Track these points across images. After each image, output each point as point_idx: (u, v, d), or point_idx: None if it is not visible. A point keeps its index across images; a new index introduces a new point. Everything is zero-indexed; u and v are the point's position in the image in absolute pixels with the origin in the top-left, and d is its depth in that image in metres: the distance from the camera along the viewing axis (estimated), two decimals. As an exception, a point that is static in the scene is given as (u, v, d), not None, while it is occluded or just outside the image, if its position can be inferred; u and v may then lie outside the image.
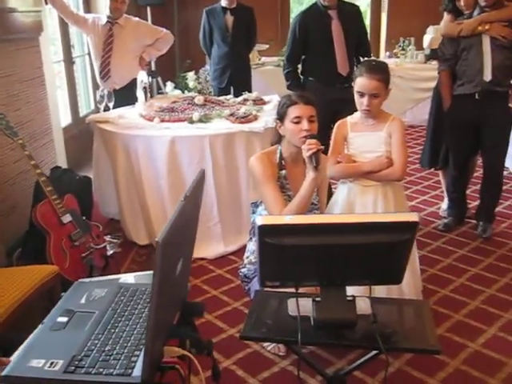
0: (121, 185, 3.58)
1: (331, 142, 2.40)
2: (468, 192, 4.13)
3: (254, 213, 2.59)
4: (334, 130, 2.41)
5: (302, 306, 1.74)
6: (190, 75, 5.60)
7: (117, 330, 1.09)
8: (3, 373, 1.02)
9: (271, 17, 6.76)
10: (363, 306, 1.73)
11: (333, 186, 3.36)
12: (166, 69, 6.62)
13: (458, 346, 2.57)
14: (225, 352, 2.53)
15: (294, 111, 2.33)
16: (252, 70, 6.35)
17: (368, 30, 7.57)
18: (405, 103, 6.77)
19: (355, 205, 2.33)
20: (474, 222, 3.85)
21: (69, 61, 5.23)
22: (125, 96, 4.20)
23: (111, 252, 3.47)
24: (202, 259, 3.48)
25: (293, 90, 3.81)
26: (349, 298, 1.72)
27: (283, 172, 2.45)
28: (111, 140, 3.58)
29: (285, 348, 2.47)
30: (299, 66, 3.88)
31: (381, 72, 2.27)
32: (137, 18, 4.48)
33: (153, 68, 6.18)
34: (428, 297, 2.96)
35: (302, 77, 3.87)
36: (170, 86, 5.00)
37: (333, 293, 1.70)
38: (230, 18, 4.80)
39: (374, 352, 1.73)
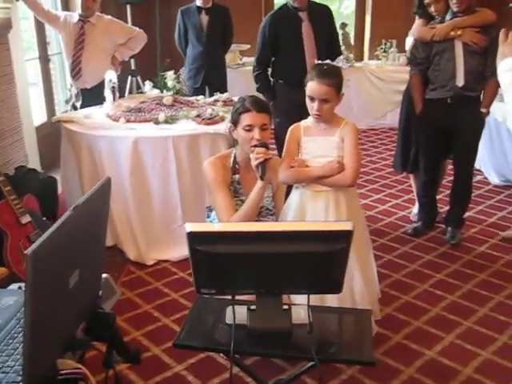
0: (85, 185, 3.53)
1: (284, 146, 2.38)
2: (440, 196, 4.12)
3: (208, 217, 2.56)
4: (288, 134, 2.39)
5: (240, 313, 1.71)
6: (169, 74, 5.55)
7: (14, 341, 1.06)
8: None
9: (254, 17, 6.72)
10: (301, 315, 1.71)
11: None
12: (147, 68, 6.57)
13: (415, 354, 2.55)
14: (178, 357, 2.50)
15: (246, 119, 2.31)
16: (232, 70, 6.36)
17: (352, 33, 7.60)
18: (385, 105, 6.76)
19: (307, 210, 2.30)
20: (444, 226, 3.84)
21: (44, 58, 5.17)
22: (96, 95, 4.15)
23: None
24: (166, 261, 3.45)
25: (262, 92, 3.79)
26: (285, 307, 1.69)
27: (237, 176, 2.43)
28: (76, 140, 3.54)
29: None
30: (269, 68, 3.85)
31: (332, 77, 2.24)
32: (109, 17, 4.43)
33: (132, 67, 6.13)
34: (389, 303, 2.94)
35: (272, 79, 3.84)
36: (148, 85, 4.95)
37: (268, 301, 1.68)
38: (204, 18, 4.76)
39: (310, 363, 1.70)
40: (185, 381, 2.38)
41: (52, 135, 5.18)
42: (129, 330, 2.72)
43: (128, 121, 3.57)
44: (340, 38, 5.11)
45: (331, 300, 2.14)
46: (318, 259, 1.60)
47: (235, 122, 2.36)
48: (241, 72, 6.51)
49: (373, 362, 1.61)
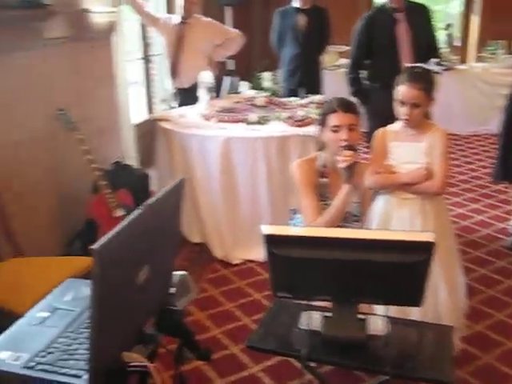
0: (178, 182, 3.65)
1: (371, 151, 2.31)
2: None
3: (292, 219, 2.54)
4: (375, 139, 2.32)
5: (315, 319, 1.69)
6: (266, 75, 5.59)
7: (88, 331, 1.10)
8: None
9: (353, 18, 6.61)
10: (378, 326, 1.65)
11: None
12: (244, 68, 6.66)
13: (505, 377, 2.39)
14: (255, 358, 2.50)
15: (333, 119, 2.27)
16: (329, 72, 6.29)
17: (457, 34, 7.28)
18: (490, 110, 6.39)
19: (392, 218, 2.22)
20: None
21: (146, 59, 5.39)
22: (192, 95, 4.26)
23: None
24: (252, 261, 3.47)
25: (355, 95, 3.72)
26: (360, 317, 1.64)
27: (324, 180, 2.39)
28: (170, 138, 3.66)
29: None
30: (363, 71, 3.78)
31: (423, 81, 2.15)
32: (208, 19, 4.54)
33: (230, 67, 6.23)
34: (480, 320, 2.78)
35: (366, 82, 3.76)
36: (245, 85, 5.03)
37: (344, 309, 1.64)
38: (302, 19, 4.73)
39: (384, 378, 1.64)
40: (260, 382, 2.38)
41: (151, 133, 5.39)
42: (210, 327, 2.77)
43: (220, 121, 3.63)
44: (444, 39, 4.92)
45: (414, 313, 2.05)
46: (397, 270, 1.54)
47: (322, 124, 2.33)
48: (338, 74, 6.42)
49: (451, 382, 1.52)
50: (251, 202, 3.47)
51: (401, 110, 2.19)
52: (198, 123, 3.66)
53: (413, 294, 1.59)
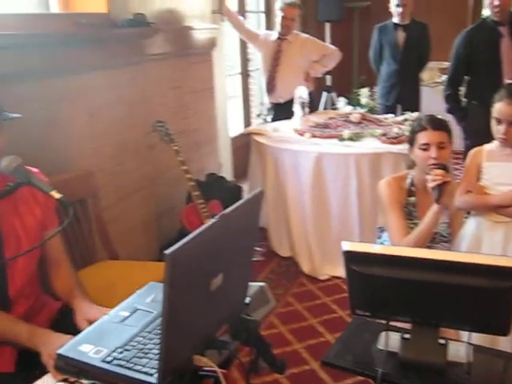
0: (268, 196, 3.70)
1: (464, 170, 2.22)
2: None
3: (379, 238, 2.50)
4: (469, 158, 2.23)
5: (394, 340, 1.65)
6: (364, 91, 5.53)
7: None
8: (58, 351, 1.15)
9: (456, 33, 6.41)
10: (460, 353, 1.58)
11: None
12: (343, 84, 6.65)
13: None
14: (335, 375, 2.48)
15: (422, 137, 2.21)
16: (430, 89, 6.13)
17: None
18: None
19: (483, 241, 2.12)
20: None
21: (245, 74, 5.54)
22: (287, 110, 4.32)
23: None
24: (339, 278, 3.43)
25: (452, 113, 3.60)
26: (441, 341, 1.58)
27: (412, 199, 2.33)
28: (263, 152, 3.73)
29: None
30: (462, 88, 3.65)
31: (524, 98, 2.05)
32: (306, 35, 4.59)
33: (328, 83, 6.24)
34: None
35: (464, 100, 3.63)
36: (342, 101, 5.02)
37: (424, 332, 1.58)
38: (401, 35, 4.66)
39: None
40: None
41: (246, 147, 5.52)
42: (291, 341, 2.78)
43: (313, 136, 3.65)
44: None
45: (502, 343, 1.94)
46: (484, 296, 1.47)
47: (411, 142, 2.28)
48: (438, 91, 6.22)
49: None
50: (341, 218, 3.45)
51: (497, 129, 2.10)
52: (291, 138, 3.70)
53: (500, 322, 1.51)
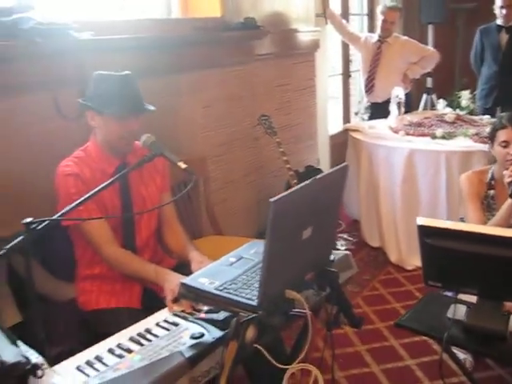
0: (361, 189, 3.95)
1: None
2: None
3: (461, 228, 2.67)
4: None
5: (461, 311, 1.87)
6: (464, 94, 5.59)
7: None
8: (183, 281, 1.49)
9: None
10: (521, 325, 1.77)
11: None
12: (444, 86, 6.67)
13: None
14: (412, 352, 2.70)
15: (502, 135, 2.38)
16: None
17: None
18: None
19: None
20: None
21: (346, 74, 5.77)
22: (384, 109, 4.51)
23: (342, 248, 3.88)
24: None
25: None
26: (504, 313, 1.78)
27: (491, 192, 2.49)
28: (359, 147, 3.97)
29: (472, 364, 2.51)
30: None
31: None
32: (405, 37, 4.76)
33: (429, 85, 6.31)
34: None
35: None
36: (441, 103, 5.12)
37: (488, 304, 1.79)
38: (504, 37, 4.68)
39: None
40: (413, 375, 2.56)
41: (344, 144, 5.75)
42: (374, 321, 3.01)
43: (407, 134, 3.84)
44: None
45: None
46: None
47: (492, 139, 2.45)
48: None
49: None
50: (430, 212, 3.60)
51: None
52: (385, 135, 3.91)
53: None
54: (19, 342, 1.33)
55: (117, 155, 2.03)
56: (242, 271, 1.52)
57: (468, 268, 1.78)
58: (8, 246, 1.34)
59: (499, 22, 4.72)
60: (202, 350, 1.38)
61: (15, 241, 1.35)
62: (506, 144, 2.37)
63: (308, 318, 1.43)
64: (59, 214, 1.55)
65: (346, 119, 6.00)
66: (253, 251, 1.65)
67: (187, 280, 1.49)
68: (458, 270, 1.81)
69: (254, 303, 1.33)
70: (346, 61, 5.72)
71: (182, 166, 1.78)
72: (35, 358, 1.27)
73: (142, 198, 2.09)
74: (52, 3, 2.67)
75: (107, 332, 1.58)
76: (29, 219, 1.38)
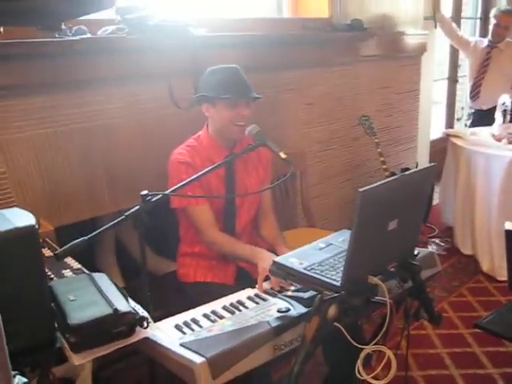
0: (458, 196, 3.91)
1: None
2: None
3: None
4: None
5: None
6: None
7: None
8: (275, 259, 1.64)
9: None
10: None
11: None
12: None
13: None
14: (495, 361, 2.69)
15: None
16: None
17: None
18: None
19: None
20: None
21: (453, 79, 5.68)
22: (489, 117, 4.43)
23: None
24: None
25: None
26: None
27: None
28: (457, 153, 3.93)
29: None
30: None
31: None
32: (519, 43, 4.63)
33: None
34: None
35: None
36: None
37: None
38: None
39: None
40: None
41: (444, 149, 5.67)
42: (458, 326, 3.01)
43: (510, 142, 3.75)
44: None
45: None
46: None
47: None
48: None
49: None
50: (527, 224, 3.52)
51: None
52: (487, 142, 3.85)
53: None
54: (129, 299, 1.54)
55: (227, 145, 2.21)
56: (330, 256, 1.64)
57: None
58: (127, 213, 1.55)
59: None
60: (287, 322, 1.52)
61: (133, 209, 1.56)
62: None
63: (388, 305, 1.53)
64: (169, 190, 1.75)
65: (449, 125, 5.90)
66: (341, 239, 1.77)
67: (279, 259, 1.63)
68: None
69: (338, 284, 1.45)
70: (454, 65, 5.64)
71: (283, 155, 1.92)
72: (141, 312, 1.47)
73: (244, 187, 2.26)
74: (171, 1, 2.91)
75: (202, 302, 1.76)
76: (145, 191, 1.58)
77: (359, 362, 1.47)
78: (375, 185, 1.36)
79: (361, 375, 1.47)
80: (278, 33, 3.27)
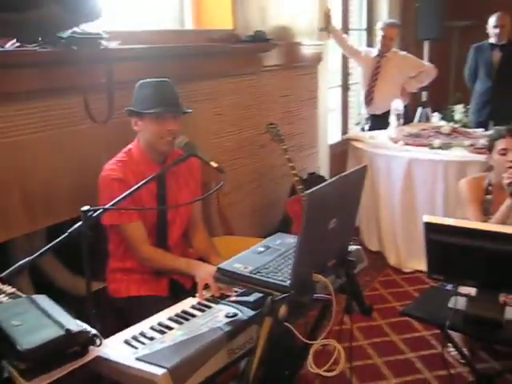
0: (362, 196, 4.13)
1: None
2: None
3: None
4: None
5: (461, 302, 2.05)
6: (458, 108, 5.85)
7: (289, 261, 1.65)
8: (219, 265, 1.66)
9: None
10: (515, 314, 1.97)
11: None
12: (438, 100, 6.91)
13: None
14: (412, 346, 2.88)
15: (500, 144, 2.59)
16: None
17: None
18: None
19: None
20: None
21: (345, 87, 5.98)
22: (383, 121, 4.73)
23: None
24: (421, 272, 3.80)
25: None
26: (501, 303, 1.97)
27: (489, 197, 2.70)
28: (360, 156, 4.17)
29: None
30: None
31: None
32: (404, 53, 4.99)
33: (424, 98, 6.55)
34: None
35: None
36: (436, 116, 5.36)
37: (486, 295, 1.99)
38: (497, 55, 4.93)
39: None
40: (413, 367, 2.74)
41: (343, 153, 5.96)
42: (376, 318, 3.19)
43: (406, 144, 4.04)
44: None
45: None
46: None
47: (490, 148, 2.66)
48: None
49: None
50: (427, 219, 3.80)
51: None
52: (385, 144, 4.12)
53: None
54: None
55: (158, 159, 2.20)
56: (271, 258, 1.69)
57: (469, 262, 1.98)
58: (69, 230, 1.51)
59: (492, 40, 4.97)
60: (238, 326, 1.56)
61: (75, 226, 1.52)
62: (504, 152, 2.58)
63: (333, 297, 1.62)
64: (109, 205, 1.72)
65: (344, 130, 6.21)
66: (278, 242, 1.83)
67: (223, 265, 1.66)
68: (460, 264, 2.00)
69: (287, 284, 1.50)
70: (345, 74, 5.94)
71: (214, 164, 1.96)
72: (92, 330, 1.44)
73: (176, 202, 2.26)
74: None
75: (138, 316, 1.74)
76: (86, 207, 1.54)
77: (310, 357, 1.54)
78: (319, 186, 1.44)
79: (313, 369, 1.53)
80: (186, 44, 3.29)
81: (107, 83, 2.53)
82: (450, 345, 2.66)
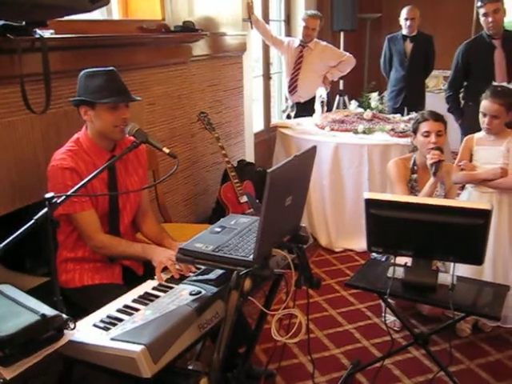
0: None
1: (458, 153, 2.83)
2: None
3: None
4: (463, 143, 2.83)
5: (399, 271, 2.24)
6: (373, 96, 6.12)
7: (247, 239, 1.74)
8: (180, 245, 1.72)
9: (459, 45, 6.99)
10: (447, 279, 2.17)
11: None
12: (354, 88, 7.22)
13: None
14: (349, 319, 3.07)
15: (424, 126, 2.81)
16: (434, 95, 6.72)
17: None
18: None
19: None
20: None
21: (267, 76, 6.13)
22: (307, 108, 4.92)
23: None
24: (351, 250, 4.03)
25: (452, 112, 4.20)
26: (433, 269, 2.18)
27: (414, 176, 2.92)
28: (288, 142, 4.32)
29: (400, 324, 2.91)
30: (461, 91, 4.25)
31: (504, 97, 2.65)
32: (324, 43, 5.19)
33: (341, 87, 6.82)
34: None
35: (462, 101, 4.23)
36: (354, 104, 5.60)
37: (421, 262, 2.18)
38: (409, 45, 5.25)
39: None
40: (352, 337, 2.92)
41: (266, 141, 6.12)
42: (313, 295, 3.35)
43: (332, 129, 4.24)
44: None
45: (486, 277, 2.57)
46: (460, 232, 2.03)
47: (415, 130, 2.88)
48: (442, 97, 6.77)
49: (497, 317, 2.02)
50: (354, 200, 4.02)
51: (483, 120, 2.70)
52: (312, 131, 4.29)
53: (474, 253, 2.08)
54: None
55: (107, 147, 2.22)
56: (230, 237, 1.78)
57: (404, 233, 2.15)
58: (35, 217, 1.51)
59: (404, 32, 5.28)
60: (205, 302, 1.64)
61: (39, 214, 1.53)
62: (427, 134, 2.80)
63: (292, 270, 1.73)
64: (69, 193, 1.73)
65: (267, 119, 6.36)
66: (233, 222, 1.92)
67: (184, 245, 1.72)
68: (397, 236, 2.17)
69: (250, 259, 1.59)
70: (267, 63, 6.08)
71: (166, 150, 2.02)
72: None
73: (126, 189, 2.29)
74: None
75: (95, 304, 1.77)
76: (50, 194, 1.56)
77: (273, 326, 1.64)
78: (279, 165, 1.54)
79: (276, 336, 1.64)
80: (118, 34, 3.28)
81: (44, 72, 2.49)
82: (383, 315, 2.89)
